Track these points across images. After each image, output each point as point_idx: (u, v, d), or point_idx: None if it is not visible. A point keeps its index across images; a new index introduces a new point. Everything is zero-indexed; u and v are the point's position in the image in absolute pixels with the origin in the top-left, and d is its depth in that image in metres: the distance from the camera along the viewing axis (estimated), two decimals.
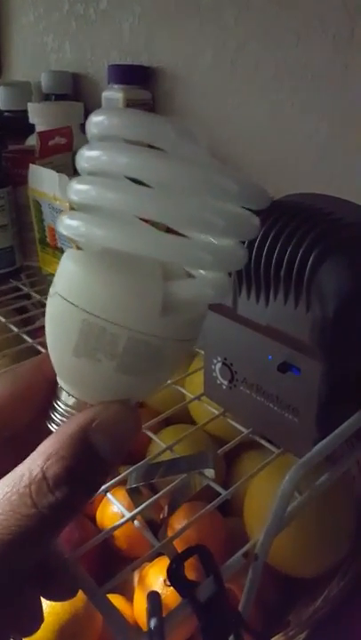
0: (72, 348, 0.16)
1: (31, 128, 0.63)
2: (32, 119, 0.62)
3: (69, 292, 0.16)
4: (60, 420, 0.18)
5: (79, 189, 0.15)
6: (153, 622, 0.22)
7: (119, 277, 0.16)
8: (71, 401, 0.18)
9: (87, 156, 0.15)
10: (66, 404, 0.18)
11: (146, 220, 0.17)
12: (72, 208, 0.17)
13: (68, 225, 0.16)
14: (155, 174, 0.14)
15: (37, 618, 0.20)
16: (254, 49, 0.55)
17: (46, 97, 0.75)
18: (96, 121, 0.15)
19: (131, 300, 0.16)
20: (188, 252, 0.15)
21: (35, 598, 0.20)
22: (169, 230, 0.16)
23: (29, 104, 0.63)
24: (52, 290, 0.17)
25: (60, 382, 0.18)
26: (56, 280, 0.17)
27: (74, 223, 0.16)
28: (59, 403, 0.18)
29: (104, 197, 0.15)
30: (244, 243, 0.16)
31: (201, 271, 0.17)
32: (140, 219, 0.17)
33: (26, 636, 0.20)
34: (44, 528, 0.15)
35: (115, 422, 0.17)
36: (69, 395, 0.18)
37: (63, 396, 0.18)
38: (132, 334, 0.16)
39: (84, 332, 0.16)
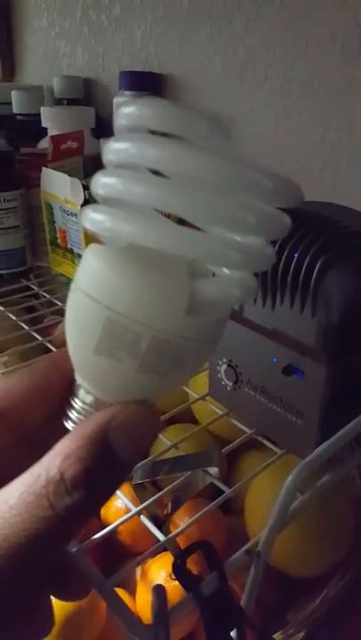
0: (94, 346, 0.16)
1: (43, 131, 0.64)
2: (45, 123, 0.64)
3: (92, 288, 0.16)
4: (77, 418, 0.17)
5: (105, 182, 0.15)
6: (158, 614, 0.23)
7: (144, 275, 0.15)
8: (89, 399, 0.17)
9: (115, 149, 0.15)
10: (83, 402, 0.17)
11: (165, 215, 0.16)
12: (93, 202, 0.16)
13: (92, 219, 0.15)
14: (185, 167, 0.14)
15: (49, 621, 0.19)
16: (263, 57, 0.56)
17: (58, 101, 0.76)
18: (126, 112, 0.15)
19: (156, 298, 0.15)
20: (215, 250, 0.15)
21: (47, 601, 0.19)
22: (182, 223, 0.15)
23: (42, 108, 0.64)
24: (73, 285, 0.17)
25: (79, 379, 0.18)
26: (78, 275, 0.16)
27: (99, 217, 0.15)
28: (76, 400, 0.18)
29: (131, 191, 0.14)
30: (273, 242, 0.16)
31: (226, 270, 0.16)
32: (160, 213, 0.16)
33: None
34: (60, 530, 0.15)
35: (134, 423, 0.16)
36: (87, 392, 0.17)
37: (81, 393, 0.17)
38: (155, 334, 0.15)
39: (106, 329, 0.15)
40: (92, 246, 0.16)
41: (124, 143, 0.14)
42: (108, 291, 0.15)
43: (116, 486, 0.17)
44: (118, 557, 0.41)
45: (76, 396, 0.18)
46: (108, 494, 0.17)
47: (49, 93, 0.77)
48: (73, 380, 0.18)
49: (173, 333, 0.15)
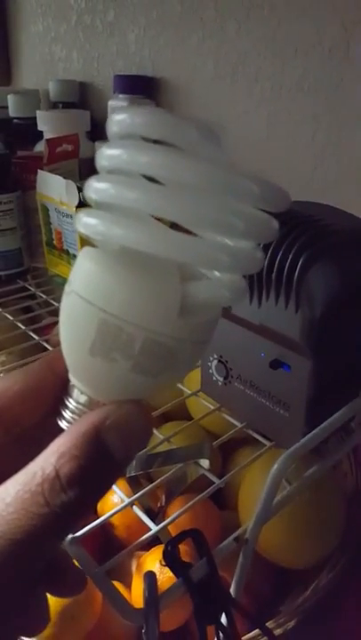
0: (88, 347, 0.16)
1: (40, 135, 0.65)
2: (40, 126, 0.65)
3: (86, 290, 0.16)
4: (71, 418, 0.18)
5: (98, 188, 0.15)
6: (149, 599, 0.24)
7: (138, 277, 0.16)
8: (83, 399, 0.18)
9: (107, 155, 0.15)
10: (77, 402, 0.18)
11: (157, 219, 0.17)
12: (88, 204, 0.16)
13: (85, 223, 0.15)
14: (175, 174, 0.14)
15: (45, 617, 0.19)
16: (254, 61, 0.57)
17: (54, 105, 0.77)
18: (118, 119, 0.15)
19: (149, 300, 0.16)
20: (206, 253, 0.15)
21: (42, 597, 0.19)
22: (177, 229, 0.16)
23: (38, 112, 0.65)
24: (67, 287, 0.17)
25: (73, 380, 0.18)
26: (72, 278, 0.17)
27: (92, 221, 0.15)
28: (70, 400, 0.18)
29: (124, 196, 0.15)
30: (260, 246, 0.16)
31: (216, 273, 0.17)
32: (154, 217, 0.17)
33: (32, 636, 0.20)
34: (56, 527, 0.15)
35: (128, 422, 0.16)
36: (81, 392, 0.18)
37: (75, 393, 0.18)
38: (148, 335, 0.16)
39: (101, 331, 0.16)
40: (86, 249, 0.17)
41: (116, 150, 0.15)
42: (102, 293, 0.16)
43: (111, 484, 0.17)
44: (115, 553, 0.42)
45: (71, 396, 0.18)
46: (103, 491, 0.17)
47: (45, 97, 0.78)
48: (67, 381, 0.18)
49: (166, 334, 0.16)
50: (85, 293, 0.16)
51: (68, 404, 0.18)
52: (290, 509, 0.30)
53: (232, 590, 0.28)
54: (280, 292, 0.28)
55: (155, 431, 0.37)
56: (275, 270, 0.28)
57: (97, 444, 0.16)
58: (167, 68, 0.66)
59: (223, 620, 0.25)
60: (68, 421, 0.18)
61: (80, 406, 0.18)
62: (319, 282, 0.27)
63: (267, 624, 0.36)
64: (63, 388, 0.18)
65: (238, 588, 0.28)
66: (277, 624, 0.36)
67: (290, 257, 0.27)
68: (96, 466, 0.16)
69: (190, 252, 0.15)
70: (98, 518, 0.27)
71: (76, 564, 0.24)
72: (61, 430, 0.17)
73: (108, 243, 0.17)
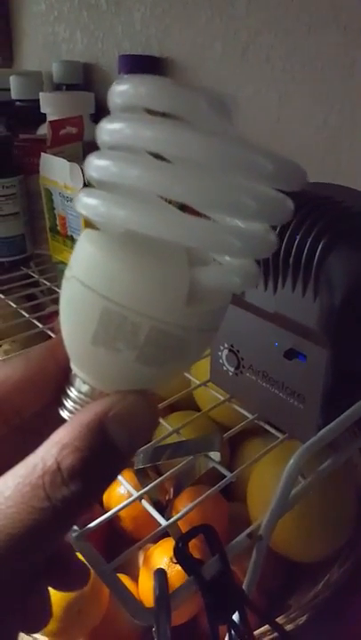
0: (90, 336, 0.15)
1: (43, 117, 0.63)
2: (44, 109, 0.63)
3: (88, 276, 0.15)
4: (73, 408, 0.17)
5: (99, 165, 0.14)
6: (159, 598, 0.23)
7: (142, 262, 0.15)
8: (85, 388, 0.17)
9: (108, 129, 0.14)
10: (79, 392, 0.17)
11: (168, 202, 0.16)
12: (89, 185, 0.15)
13: (85, 204, 0.14)
14: (182, 150, 0.13)
15: (47, 612, 0.19)
16: (265, 39, 0.55)
17: (57, 87, 0.75)
18: (120, 90, 0.14)
19: (155, 287, 0.15)
20: (215, 236, 0.14)
21: (44, 592, 0.19)
22: (188, 211, 0.14)
23: (41, 94, 0.63)
24: (67, 272, 0.16)
25: (75, 369, 0.17)
26: (73, 262, 0.16)
27: (92, 202, 0.14)
28: (72, 389, 0.17)
29: (126, 174, 0.14)
30: (275, 228, 0.15)
31: (227, 258, 0.16)
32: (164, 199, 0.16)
33: (35, 632, 0.19)
34: (57, 521, 0.15)
35: (132, 413, 0.16)
36: (84, 382, 0.17)
37: (77, 382, 0.17)
38: (154, 324, 0.15)
39: (103, 320, 0.15)
40: (87, 231, 0.16)
41: (118, 123, 0.14)
42: (105, 279, 0.15)
43: (114, 476, 0.17)
44: (122, 545, 0.41)
45: (73, 386, 0.17)
46: (106, 484, 0.16)
47: (48, 79, 0.76)
48: (69, 369, 0.17)
49: (173, 323, 0.15)
50: (87, 279, 0.15)
51: (69, 393, 0.17)
52: (301, 502, 0.29)
53: (244, 587, 0.27)
54: (297, 278, 0.27)
55: (163, 422, 0.36)
56: (292, 255, 0.26)
57: (100, 436, 0.15)
58: (174, 47, 0.64)
59: (235, 617, 0.24)
60: (70, 411, 0.17)
61: (82, 396, 0.17)
62: (339, 267, 0.25)
63: (278, 619, 0.35)
64: (65, 377, 0.18)
65: (251, 586, 0.27)
66: (289, 619, 0.35)
67: (309, 241, 0.26)
68: (99, 458, 0.15)
69: (198, 236, 0.14)
70: (104, 511, 0.26)
71: (81, 558, 0.23)
72: (63, 421, 0.16)
73: (111, 225, 0.16)
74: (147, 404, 0.16)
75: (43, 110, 0.63)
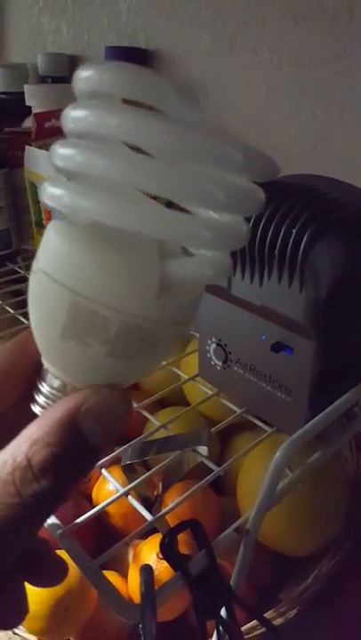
0: (59, 331, 0.15)
1: (28, 110, 0.62)
2: (29, 101, 0.62)
3: (55, 269, 0.15)
4: (45, 403, 0.17)
5: (63, 154, 0.14)
6: (145, 594, 0.23)
7: (111, 255, 0.14)
8: (57, 383, 0.17)
9: (72, 116, 0.14)
10: (51, 387, 0.17)
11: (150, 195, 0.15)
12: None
13: (51, 194, 0.14)
14: (149, 138, 0.13)
15: (23, 609, 0.19)
16: (252, 31, 0.54)
17: (43, 79, 0.74)
18: (85, 76, 0.13)
19: (125, 280, 0.14)
20: (184, 228, 0.14)
21: (19, 587, 0.19)
22: (171, 204, 0.14)
23: (26, 86, 0.62)
24: (35, 265, 0.16)
25: (46, 364, 0.17)
26: (40, 255, 0.15)
27: (57, 192, 0.14)
28: (43, 384, 0.17)
29: (91, 164, 0.13)
30: (248, 219, 0.15)
31: (199, 250, 0.15)
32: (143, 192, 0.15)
33: (9, 629, 0.19)
34: (28, 517, 0.15)
35: (104, 407, 0.16)
36: (55, 377, 0.17)
37: (48, 378, 0.17)
38: (125, 318, 0.14)
39: (72, 314, 0.14)
40: (54, 223, 0.15)
41: (82, 111, 0.13)
42: (72, 272, 0.14)
43: (87, 471, 0.17)
44: (111, 541, 0.41)
45: (44, 381, 0.17)
46: (78, 480, 0.16)
47: (33, 71, 0.75)
48: (40, 364, 0.17)
49: (144, 317, 0.15)
50: (54, 272, 0.15)
51: (41, 388, 0.17)
52: (290, 495, 0.29)
53: (232, 582, 0.27)
54: (283, 270, 0.26)
55: (150, 418, 0.36)
56: (278, 247, 0.26)
57: (72, 431, 0.15)
58: (161, 39, 0.64)
59: (223, 613, 0.24)
60: (41, 407, 0.17)
61: (54, 391, 0.17)
62: (325, 259, 0.25)
63: (267, 613, 0.35)
64: (36, 372, 0.18)
65: (239, 580, 0.26)
66: (278, 613, 0.35)
67: (294, 232, 0.25)
68: (71, 453, 0.15)
69: (166, 227, 0.14)
70: (92, 507, 0.26)
71: (66, 556, 0.22)
72: (36, 416, 0.16)
73: (78, 216, 0.15)
74: (119, 397, 0.16)
75: (28, 103, 0.62)
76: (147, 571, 0.23)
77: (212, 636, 0.26)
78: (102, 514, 0.41)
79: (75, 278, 0.14)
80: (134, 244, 0.15)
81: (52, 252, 0.15)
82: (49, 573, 0.20)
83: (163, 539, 0.24)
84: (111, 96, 0.14)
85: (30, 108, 0.62)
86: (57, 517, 0.38)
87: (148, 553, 0.36)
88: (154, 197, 0.15)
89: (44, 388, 0.17)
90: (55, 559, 0.20)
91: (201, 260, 0.15)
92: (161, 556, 0.24)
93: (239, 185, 0.14)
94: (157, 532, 0.37)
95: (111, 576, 0.38)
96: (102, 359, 0.15)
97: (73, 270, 0.14)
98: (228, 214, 0.14)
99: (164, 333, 0.16)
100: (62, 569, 0.20)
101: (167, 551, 0.24)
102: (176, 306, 0.15)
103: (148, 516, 0.27)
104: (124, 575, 0.39)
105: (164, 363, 0.40)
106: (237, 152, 0.13)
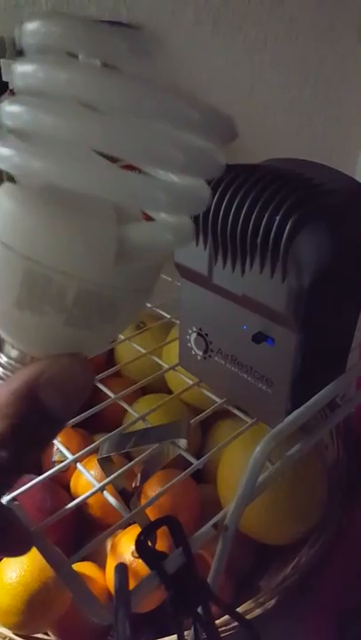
0: (14, 300, 0.14)
1: (4, 86, 0.60)
2: (5, 77, 0.59)
3: (7, 234, 0.14)
4: (3, 374, 0.16)
5: (11, 112, 0.13)
6: (119, 594, 0.22)
7: (65, 219, 0.14)
8: (14, 353, 0.16)
9: (20, 72, 0.13)
10: (9, 357, 0.16)
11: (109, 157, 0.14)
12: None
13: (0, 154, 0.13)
14: (101, 95, 0.12)
15: None
16: (238, 6, 0.52)
17: (20, 53, 0.71)
18: (32, 29, 0.13)
19: (80, 245, 0.14)
20: (139, 190, 0.13)
21: None
22: (131, 167, 0.13)
23: (1, 60, 0.59)
24: None
25: (3, 334, 0.16)
26: None
27: (6, 152, 0.13)
28: (1, 355, 0.17)
29: (40, 122, 0.12)
30: (209, 183, 0.14)
31: (161, 214, 0.15)
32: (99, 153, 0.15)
33: None
34: None
35: (64, 377, 0.15)
36: (12, 347, 0.16)
37: (6, 348, 0.16)
38: (82, 285, 0.14)
39: (26, 281, 0.14)
40: (5, 185, 0.14)
41: (30, 66, 0.12)
42: (26, 238, 0.14)
43: (49, 441, 0.16)
44: (90, 531, 0.40)
45: (2, 351, 0.17)
46: (39, 449, 0.16)
47: (10, 45, 0.71)
48: None
49: (102, 284, 0.14)
50: (6, 238, 0.14)
51: None
52: (271, 484, 0.28)
53: (210, 578, 0.26)
54: (265, 259, 0.25)
55: (129, 409, 0.35)
56: (260, 235, 0.25)
57: (30, 402, 0.15)
58: (143, 13, 0.61)
59: (200, 610, 0.24)
60: (0, 378, 0.17)
61: (12, 362, 0.16)
62: (308, 248, 0.24)
63: (246, 604, 0.35)
64: None
65: (216, 577, 0.26)
66: (258, 603, 0.35)
67: (277, 220, 0.24)
68: (30, 424, 0.15)
69: (121, 189, 0.13)
70: (70, 495, 0.25)
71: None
72: None
73: (30, 178, 0.14)
74: (80, 367, 0.16)
75: (4, 78, 0.59)
76: (121, 570, 0.22)
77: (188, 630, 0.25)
78: (81, 504, 0.40)
79: (28, 244, 0.14)
80: (90, 207, 0.14)
81: (3, 216, 0.14)
82: (12, 542, 0.20)
83: (138, 536, 0.23)
84: (61, 51, 0.12)
85: (7, 83, 0.59)
86: (35, 507, 0.37)
87: (127, 544, 0.36)
88: (114, 160, 0.14)
89: (2, 358, 0.16)
90: (17, 529, 0.20)
91: (160, 225, 0.15)
92: (135, 554, 0.23)
93: (198, 145, 0.13)
94: (135, 523, 0.37)
95: (89, 567, 0.38)
96: (60, 328, 0.15)
97: (26, 236, 0.14)
98: (188, 177, 0.14)
99: (123, 301, 0.15)
100: (25, 539, 0.20)
101: (142, 550, 0.23)
102: (135, 272, 0.15)
103: (124, 512, 0.26)
104: (102, 564, 0.38)
105: (144, 351, 0.39)
106: (194, 111, 0.12)
